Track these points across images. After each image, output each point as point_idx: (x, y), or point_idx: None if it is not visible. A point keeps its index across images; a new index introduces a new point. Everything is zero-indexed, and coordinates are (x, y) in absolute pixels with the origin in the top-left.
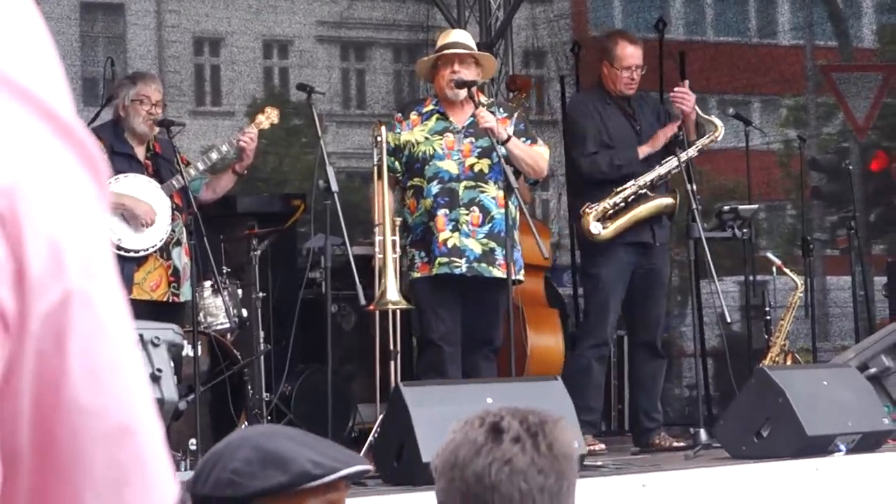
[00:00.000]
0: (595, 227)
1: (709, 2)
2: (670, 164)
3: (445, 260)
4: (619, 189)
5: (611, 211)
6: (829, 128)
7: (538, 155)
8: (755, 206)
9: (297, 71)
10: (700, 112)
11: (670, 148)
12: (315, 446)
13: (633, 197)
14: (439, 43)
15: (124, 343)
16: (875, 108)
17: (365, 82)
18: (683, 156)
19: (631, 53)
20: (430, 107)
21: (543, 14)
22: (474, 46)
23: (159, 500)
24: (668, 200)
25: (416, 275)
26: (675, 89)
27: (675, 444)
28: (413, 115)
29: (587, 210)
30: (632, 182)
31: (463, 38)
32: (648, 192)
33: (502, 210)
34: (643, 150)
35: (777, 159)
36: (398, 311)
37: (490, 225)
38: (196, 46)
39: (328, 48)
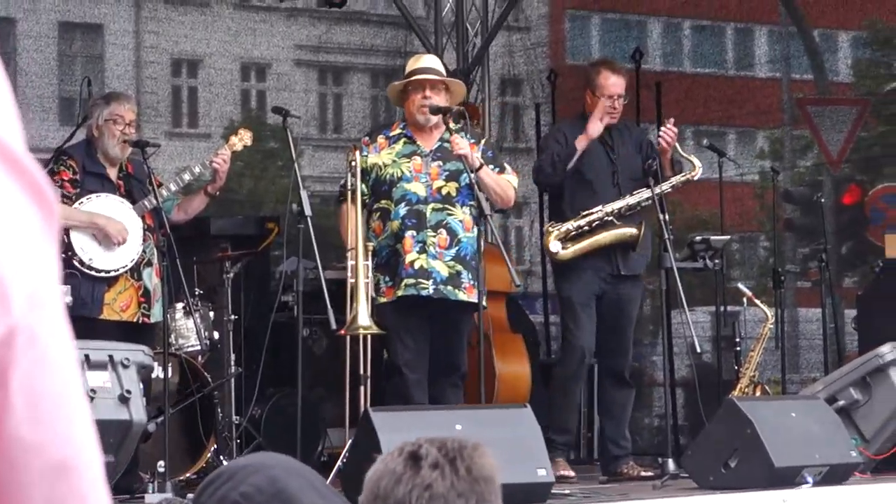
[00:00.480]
0: (554, 246)
1: (686, 33)
2: (640, 195)
3: (412, 281)
4: (585, 213)
5: (574, 233)
6: (804, 160)
7: (507, 184)
8: (727, 237)
9: (274, 94)
10: (680, 150)
11: (643, 179)
12: (326, 495)
13: (598, 222)
14: (410, 67)
15: (68, 377)
16: (849, 141)
17: (342, 106)
18: (655, 189)
19: (613, 83)
20: (398, 130)
21: (520, 42)
22: (444, 72)
23: None
24: (632, 231)
25: (382, 300)
26: (666, 125)
27: (643, 473)
28: (380, 139)
29: (550, 228)
30: (599, 207)
31: (434, 63)
32: (615, 220)
33: (469, 234)
34: (580, 143)
35: (751, 191)
36: (369, 337)
37: (457, 248)
38: (174, 68)
39: (306, 72)
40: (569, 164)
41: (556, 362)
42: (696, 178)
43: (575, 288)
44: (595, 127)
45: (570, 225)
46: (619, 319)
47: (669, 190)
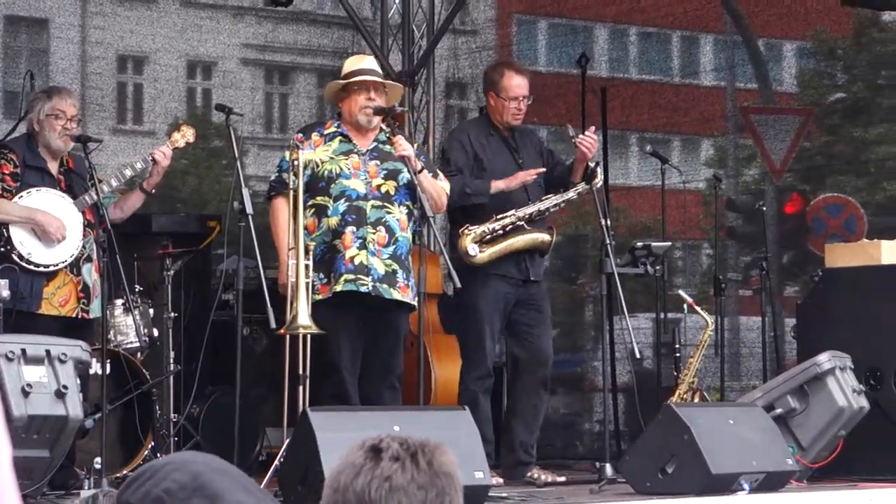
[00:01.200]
0: (472, 249)
1: (632, 39)
2: (550, 200)
3: (352, 277)
4: (499, 216)
5: (489, 236)
6: (748, 169)
7: (441, 190)
8: (668, 244)
9: (220, 92)
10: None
11: (551, 185)
12: (253, 492)
13: (510, 226)
14: (349, 68)
15: None
16: (792, 150)
17: (288, 106)
18: (563, 196)
19: (518, 84)
20: (333, 129)
21: (466, 45)
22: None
23: None
24: (544, 236)
25: (317, 297)
26: (587, 133)
27: (555, 479)
28: (315, 136)
29: (466, 231)
30: (512, 211)
31: (375, 65)
32: (525, 225)
33: (404, 233)
34: (496, 185)
35: (694, 198)
36: (309, 336)
37: (394, 246)
38: (119, 64)
39: (252, 70)
40: (475, 201)
41: (460, 376)
42: (598, 187)
43: (482, 297)
44: (516, 184)
45: (486, 228)
46: (538, 323)
47: (575, 197)
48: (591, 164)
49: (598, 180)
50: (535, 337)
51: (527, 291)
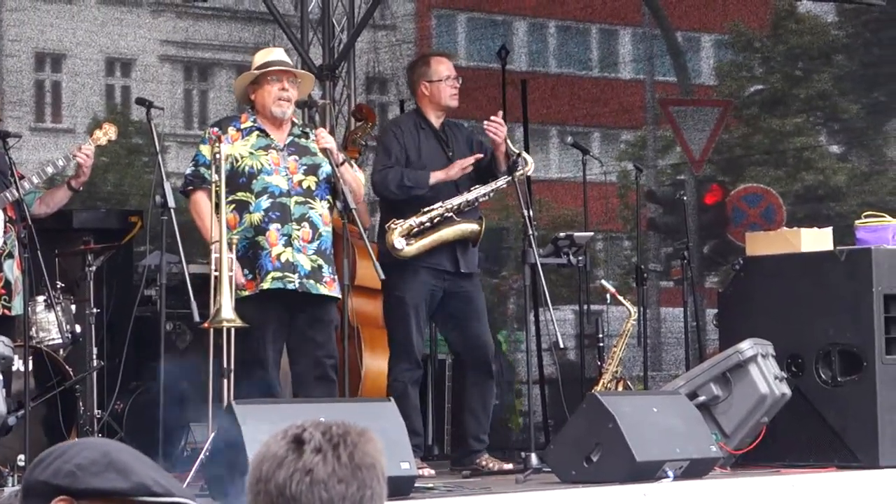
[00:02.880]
0: (399, 243)
1: (552, 32)
2: (478, 190)
3: (279, 274)
4: (426, 209)
5: (416, 229)
6: (666, 160)
7: (360, 181)
8: (590, 234)
9: (140, 87)
10: (510, 145)
11: (480, 175)
12: (158, 470)
13: (439, 218)
14: (260, 60)
15: None
16: (711, 141)
17: (208, 102)
18: (490, 185)
19: (446, 66)
20: (249, 123)
21: (385, 39)
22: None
23: None
24: (473, 226)
25: (243, 293)
26: (491, 118)
27: (504, 466)
28: (231, 130)
29: (392, 225)
30: (439, 203)
31: (284, 56)
32: (455, 216)
33: (327, 227)
34: (435, 176)
35: (614, 190)
36: (233, 330)
37: (318, 241)
38: (37, 61)
39: (172, 67)
40: (415, 193)
41: (389, 368)
42: (529, 174)
43: (409, 289)
44: (455, 173)
45: (413, 221)
46: (471, 314)
47: (504, 186)
48: (515, 153)
49: (526, 170)
50: (470, 328)
51: (457, 283)
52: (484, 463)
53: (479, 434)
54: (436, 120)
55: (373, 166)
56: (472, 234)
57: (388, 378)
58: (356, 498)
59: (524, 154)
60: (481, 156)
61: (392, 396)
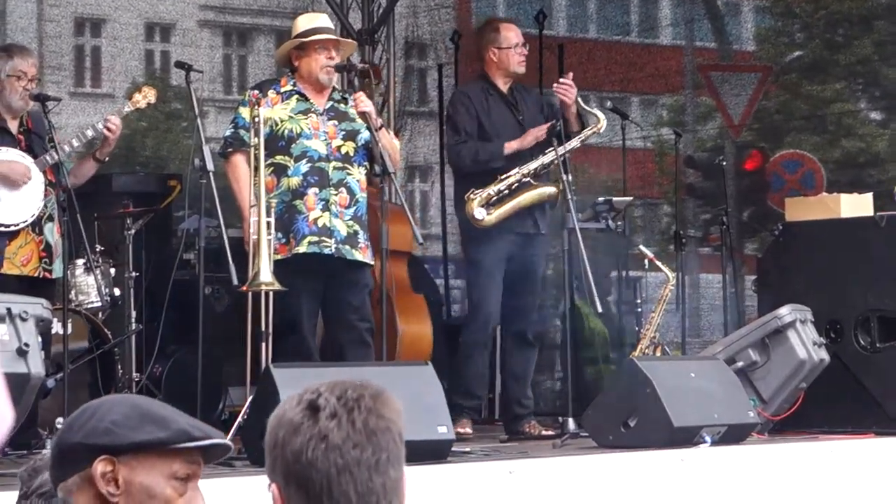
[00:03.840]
0: (479, 213)
1: None
2: (552, 154)
3: (316, 239)
4: (503, 176)
5: (495, 197)
6: (706, 127)
7: (396, 147)
8: (629, 199)
9: (179, 52)
10: (582, 104)
11: (551, 139)
12: (189, 417)
13: (516, 185)
14: (304, 26)
15: None
16: (750, 107)
17: (247, 67)
18: (566, 146)
19: (515, 32)
20: (289, 87)
21: (424, 3)
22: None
23: None
24: (551, 189)
25: (276, 257)
26: (560, 80)
27: (545, 432)
28: (272, 94)
29: (471, 196)
30: (516, 170)
31: (329, 22)
32: (532, 181)
33: (363, 194)
34: (510, 146)
35: (653, 156)
36: (271, 294)
37: (355, 207)
38: (77, 26)
39: (211, 32)
40: (492, 166)
41: (462, 327)
42: (601, 131)
43: (486, 253)
44: (528, 141)
45: (492, 190)
46: (527, 281)
47: (578, 145)
48: (589, 111)
49: (599, 126)
50: (520, 293)
51: (524, 249)
52: (528, 429)
53: (520, 398)
54: (503, 85)
55: (446, 141)
56: (550, 197)
57: (460, 338)
58: (370, 462)
59: (596, 111)
60: (554, 122)
61: (460, 358)
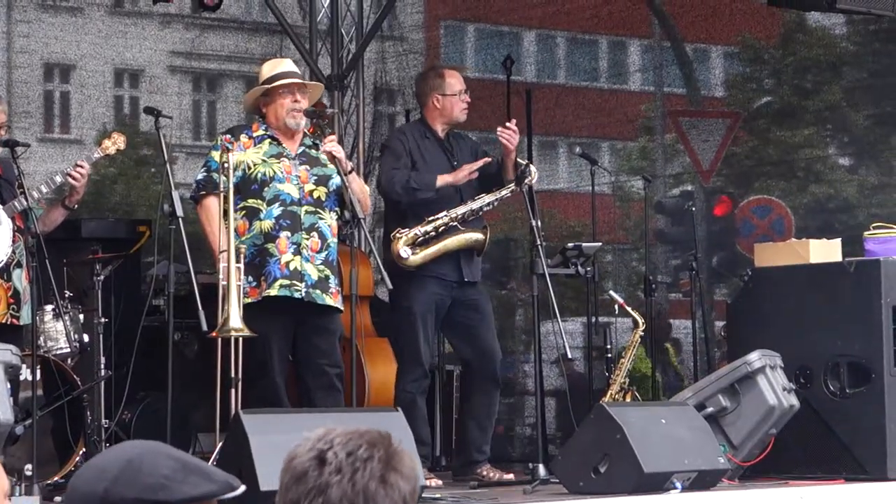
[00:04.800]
0: (405, 252)
1: (560, 44)
2: (482, 199)
3: (287, 282)
4: (431, 218)
5: (421, 238)
6: (675, 172)
7: (366, 191)
8: (598, 244)
9: (147, 99)
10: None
11: (484, 184)
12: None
13: (443, 227)
14: (269, 72)
15: None
16: (720, 153)
17: (216, 113)
18: (495, 194)
19: (458, 79)
20: (260, 132)
21: (393, 49)
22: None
23: None
24: (478, 235)
25: (247, 300)
26: (505, 125)
27: (505, 476)
28: (244, 138)
29: (398, 234)
30: (444, 213)
31: (293, 66)
32: (459, 226)
33: (334, 239)
34: (443, 179)
35: (623, 202)
36: (241, 339)
37: (326, 252)
38: (46, 72)
39: (180, 78)
40: (421, 196)
41: (396, 378)
42: (533, 183)
43: (416, 299)
44: (462, 177)
45: (418, 230)
46: (479, 322)
47: (509, 195)
48: (522, 164)
49: (531, 179)
50: (478, 337)
51: (463, 292)
52: (485, 473)
53: (481, 445)
54: (441, 131)
55: (379, 169)
56: (476, 244)
57: (395, 388)
58: None
59: (529, 165)
60: (489, 159)
61: (400, 406)
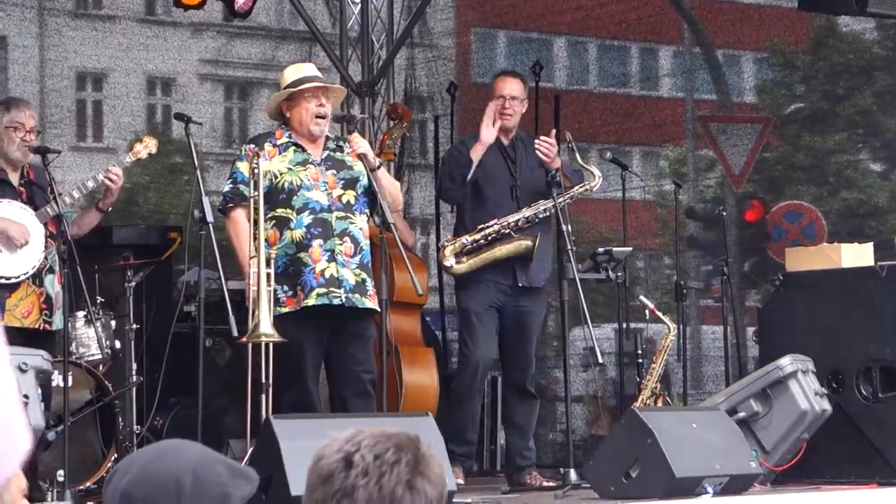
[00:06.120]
0: (449, 261)
1: (590, 49)
2: (538, 206)
3: (324, 290)
4: (481, 226)
5: (469, 246)
6: (707, 178)
7: (397, 186)
8: (629, 249)
9: (179, 107)
10: (580, 160)
11: (547, 192)
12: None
13: (494, 235)
14: (291, 76)
15: None
16: (751, 158)
17: (247, 120)
18: (550, 202)
19: (507, 84)
20: (284, 139)
21: (423, 55)
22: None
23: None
24: (526, 242)
25: (283, 310)
26: (541, 137)
27: (546, 483)
28: (268, 147)
29: (445, 243)
30: (495, 221)
31: (316, 71)
32: (512, 233)
33: (367, 241)
34: (475, 151)
35: (654, 208)
36: (271, 345)
37: (360, 255)
38: (78, 81)
39: (211, 86)
40: (468, 175)
41: (453, 374)
42: (595, 189)
43: (472, 299)
44: (487, 133)
45: (466, 239)
46: (521, 332)
47: (570, 201)
48: (580, 166)
49: (593, 184)
50: (513, 346)
51: (517, 299)
52: (529, 480)
53: (522, 450)
54: (503, 137)
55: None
56: (525, 251)
57: (452, 385)
58: None
59: (593, 169)
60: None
61: (452, 404)
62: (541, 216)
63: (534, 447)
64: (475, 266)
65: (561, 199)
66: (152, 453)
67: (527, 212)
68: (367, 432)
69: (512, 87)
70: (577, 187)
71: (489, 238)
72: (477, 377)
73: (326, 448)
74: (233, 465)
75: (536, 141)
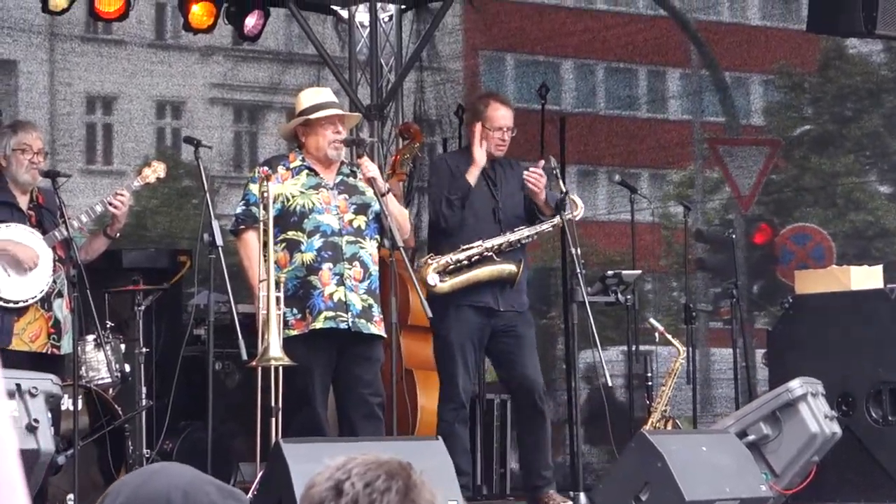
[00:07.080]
0: (432, 279)
1: (598, 72)
2: (521, 232)
3: (332, 314)
4: (465, 247)
5: (452, 266)
6: (715, 201)
7: (405, 214)
8: (638, 272)
9: (190, 129)
10: (562, 185)
11: (531, 216)
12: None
13: (477, 257)
14: (309, 101)
15: None
16: (760, 180)
17: (257, 144)
18: (535, 227)
19: (502, 115)
20: (298, 162)
21: (431, 78)
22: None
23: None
24: (510, 267)
25: (292, 332)
26: (530, 168)
27: (564, 503)
28: (281, 169)
29: (429, 261)
30: (479, 242)
31: (333, 96)
32: (494, 256)
33: (376, 267)
34: (470, 174)
35: (662, 231)
36: (281, 368)
37: (369, 281)
38: (88, 105)
39: (221, 110)
40: (465, 200)
41: (438, 406)
42: (577, 218)
43: (452, 327)
44: (480, 155)
45: (449, 258)
46: (520, 350)
47: (549, 229)
48: (559, 196)
49: (575, 214)
50: (516, 364)
51: (502, 320)
52: (546, 499)
53: (539, 470)
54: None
55: (428, 200)
56: (508, 275)
57: (437, 418)
58: None
59: (573, 196)
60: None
61: (440, 435)
62: (524, 241)
63: (552, 465)
64: (457, 286)
65: (539, 228)
66: (143, 476)
67: (511, 236)
68: (358, 459)
69: (506, 118)
70: (557, 217)
71: (472, 259)
72: (465, 407)
73: (318, 476)
74: (222, 486)
75: (525, 172)
